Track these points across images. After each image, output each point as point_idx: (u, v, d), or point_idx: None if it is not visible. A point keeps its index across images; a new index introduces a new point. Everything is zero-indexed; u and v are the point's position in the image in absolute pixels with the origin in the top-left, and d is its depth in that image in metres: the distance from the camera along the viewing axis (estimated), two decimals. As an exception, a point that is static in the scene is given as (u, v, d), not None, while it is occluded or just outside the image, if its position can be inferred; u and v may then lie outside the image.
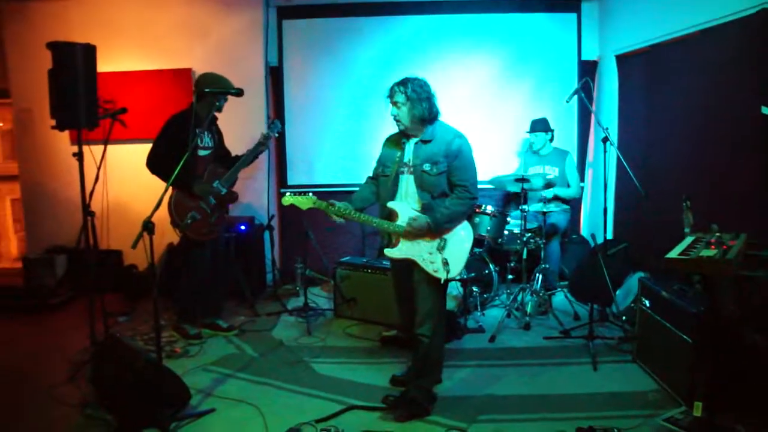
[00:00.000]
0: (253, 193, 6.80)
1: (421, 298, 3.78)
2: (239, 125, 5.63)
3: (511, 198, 6.98)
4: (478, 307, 5.59)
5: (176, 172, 3.69)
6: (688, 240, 3.35)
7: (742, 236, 3.26)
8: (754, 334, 3.53)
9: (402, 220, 3.75)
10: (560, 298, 5.96)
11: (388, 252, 3.83)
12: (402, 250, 3.77)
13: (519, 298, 5.57)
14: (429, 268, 3.71)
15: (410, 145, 3.80)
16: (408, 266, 3.80)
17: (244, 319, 5.73)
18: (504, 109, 6.94)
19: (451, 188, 3.71)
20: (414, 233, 3.70)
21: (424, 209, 3.72)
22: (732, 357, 3.52)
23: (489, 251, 6.02)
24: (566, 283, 6.32)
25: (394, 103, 3.71)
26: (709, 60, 4.90)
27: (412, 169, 3.75)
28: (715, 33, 4.79)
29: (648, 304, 4.40)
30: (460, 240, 3.76)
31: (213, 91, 4.68)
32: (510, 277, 5.92)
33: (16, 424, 3.84)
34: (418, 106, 3.64)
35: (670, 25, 5.38)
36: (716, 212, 4.51)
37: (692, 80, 5.16)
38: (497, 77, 6.92)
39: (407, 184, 3.78)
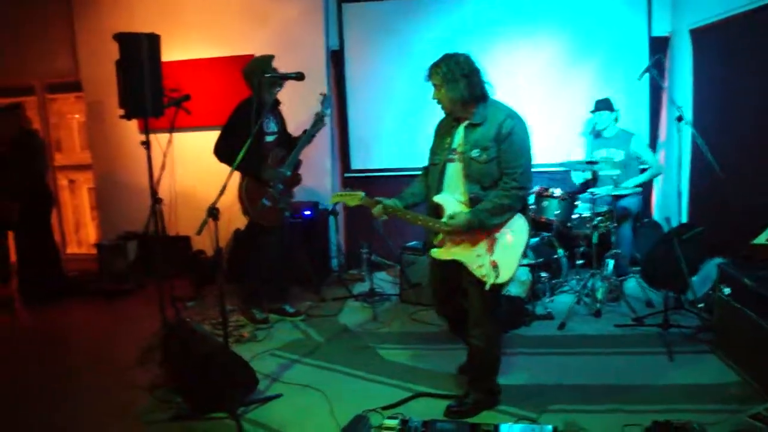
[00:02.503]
0: (317, 177, 6.79)
1: (472, 302, 3.50)
2: (301, 110, 5.61)
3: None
4: (547, 293, 5.44)
5: (240, 158, 3.68)
6: (778, 226, 3.15)
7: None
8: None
9: (446, 215, 3.42)
10: (632, 284, 5.76)
11: (434, 253, 3.54)
12: (448, 250, 3.48)
13: (589, 284, 5.40)
14: (477, 273, 3.37)
15: (460, 130, 3.46)
16: (457, 266, 3.48)
17: (310, 304, 5.75)
18: (570, 90, 6.71)
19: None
20: (455, 232, 3.37)
21: (471, 202, 3.36)
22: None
23: (558, 235, 5.86)
24: (638, 268, 6.10)
25: (434, 85, 3.42)
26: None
27: (460, 157, 3.42)
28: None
29: (729, 292, 4.19)
30: (512, 239, 3.36)
31: (274, 76, 4.67)
32: (579, 262, 5.75)
33: (90, 406, 3.95)
34: (455, 86, 3.30)
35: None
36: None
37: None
38: (563, 57, 6.69)
39: (456, 173, 3.44)
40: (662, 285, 5.61)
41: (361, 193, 3.60)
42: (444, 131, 3.58)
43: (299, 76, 4.44)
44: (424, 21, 6.82)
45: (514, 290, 5.21)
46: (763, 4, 4.86)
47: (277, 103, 5.14)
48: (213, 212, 3.42)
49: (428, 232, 3.65)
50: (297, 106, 5.65)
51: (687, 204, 6.12)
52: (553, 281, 5.61)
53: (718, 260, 5.21)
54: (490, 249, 3.35)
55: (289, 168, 5.03)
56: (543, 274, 5.40)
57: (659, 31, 6.65)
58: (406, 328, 5.12)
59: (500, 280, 3.31)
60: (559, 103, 6.72)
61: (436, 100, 3.45)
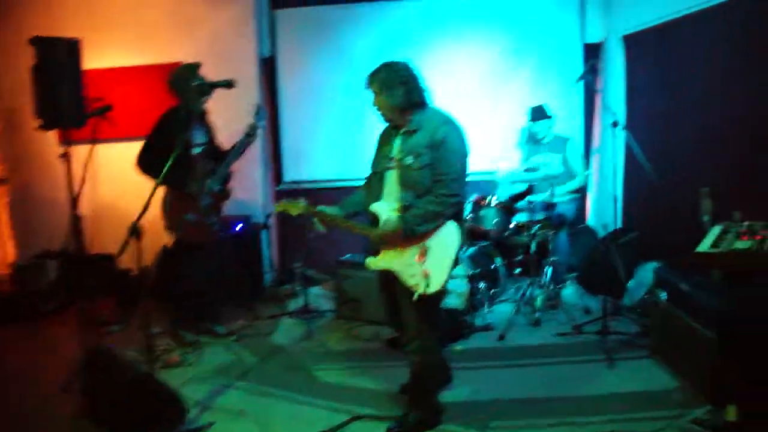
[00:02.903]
0: (248, 190, 6.54)
1: (406, 313, 3.43)
2: (232, 121, 5.36)
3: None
4: (486, 304, 5.36)
5: (165, 171, 3.47)
6: (716, 231, 3.12)
7: (775, 225, 3.05)
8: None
9: (381, 225, 3.39)
10: (569, 292, 5.76)
11: (368, 262, 3.50)
12: (382, 259, 3.43)
13: (527, 293, 5.35)
14: (409, 282, 3.30)
15: (399, 138, 3.43)
16: (393, 277, 3.42)
17: (243, 323, 5.51)
18: (505, 97, 6.68)
19: None
20: (386, 239, 3.33)
21: (404, 210, 3.31)
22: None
23: (495, 245, 5.80)
24: (575, 274, 6.11)
25: (374, 93, 3.39)
26: (733, 36, 4.63)
27: (397, 164, 3.38)
28: (740, 4, 4.51)
29: (665, 297, 4.19)
30: (444, 247, 3.28)
31: (202, 84, 4.43)
32: (517, 271, 5.70)
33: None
34: (393, 93, 3.28)
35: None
36: (736, 199, 4.27)
37: (712, 59, 4.89)
38: (498, 62, 6.67)
39: (393, 181, 3.41)
40: (599, 291, 5.62)
41: (303, 202, 3.58)
42: (385, 139, 3.55)
43: (229, 84, 4.23)
44: (359, 27, 6.70)
45: (451, 302, 5.11)
46: (702, 9, 4.91)
47: (204, 113, 4.91)
48: (135, 231, 3.20)
49: (369, 241, 3.57)
50: (228, 117, 5.42)
51: (621, 209, 6.15)
52: (492, 291, 5.53)
53: (653, 265, 5.26)
54: (422, 258, 3.27)
55: (218, 181, 4.80)
56: (481, 285, 5.31)
57: (593, 37, 6.70)
58: (344, 345, 4.96)
59: (430, 290, 3.22)
60: (494, 110, 6.68)
61: (375, 108, 3.42)
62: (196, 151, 4.77)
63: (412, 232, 3.25)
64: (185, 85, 4.51)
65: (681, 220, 5.19)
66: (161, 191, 4.61)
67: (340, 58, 6.71)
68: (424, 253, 3.28)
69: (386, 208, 3.39)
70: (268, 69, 6.78)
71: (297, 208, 3.59)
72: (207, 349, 4.91)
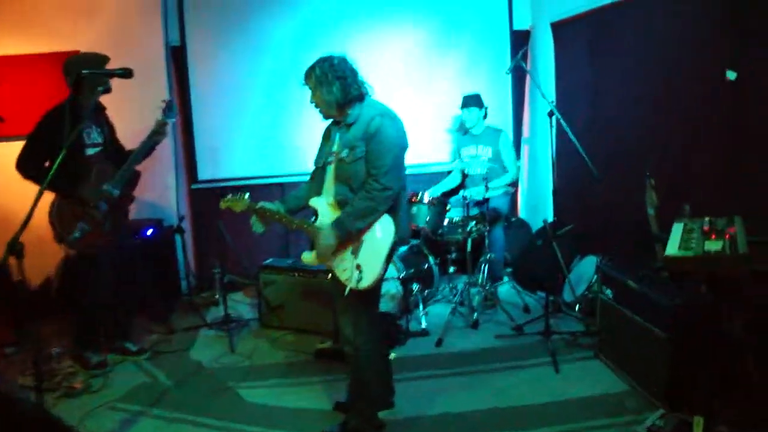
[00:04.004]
0: (160, 191, 6.02)
1: (341, 313, 3.31)
2: (137, 116, 4.82)
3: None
4: (420, 306, 5.04)
5: (51, 175, 2.98)
6: (678, 229, 2.87)
7: (737, 220, 2.81)
8: (738, 330, 3.14)
9: (319, 220, 3.28)
10: (506, 289, 5.53)
11: (304, 257, 3.33)
12: (315, 254, 3.26)
13: (464, 292, 5.07)
14: (342, 276, 3.18)
15: (338, 132, 3.32)
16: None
17: (157, 337, 5.01)
18: (434, 86, 6.42)
19: None
20: (327, 248, 3.16)
21: (339, 205, 3.22)
22: (717, 357, 3.12)
23: (426, 242, 5.50)
24: (510, 270, 5.90)
25: (311, 90, 3.26)
26: (664, 22, 4.47)
27: (335, 158, 3.28)
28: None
29: (611, 295, 3.98)
30: (377, 240, 3.15)
31: (93, 72, 3.91)
32: (452, 269, 5.42)
33: None
34: (329, 89, 3.16)
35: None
36: (678, 190, 4.10)
37: (643, 46, 4.72)
38: (425, 50, 6.39)
39: (330, 176, 3.31)
40: (537, 287, 5.44)
41: (247, 197, 3.47)
42: (327, 135, 3.47)
43: (125, 73, 3.71)
44: (277, 13, 6.24)
45: (384, 306, 4.79)
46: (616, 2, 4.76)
47: (100, 108, 4.39)
48: (14, 249, 2.70)
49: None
50: (134, 113, 4.91)
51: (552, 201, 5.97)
52: (426, 292, 5.23)
53: (592, 259, 5.10)
54: (356, 252, 3.16)
55: (117, 185, 4.26)
56: (414, 286, 5.00)
57: (521, 24, 6.52)
58: (270, 358, 4.55)
59: (362, 284, 3.08)
60: (422, 100, 6.40)
61: (313, 105, 3.29)
62: (91, 152, 4.24)
63: (348, 234, 3.12)
64: (76, 76, 3.98)
65: (618, 211, 5.03)
66: (49, 197, 4.09)
67: (258, 47, 6.25)
68: (358, 247, 3.17)
69: (323, 204, 3.30)
70: (178, 59, 6.23)
71: (241, 204, 3.46)
72: (116, 370, 4.40)
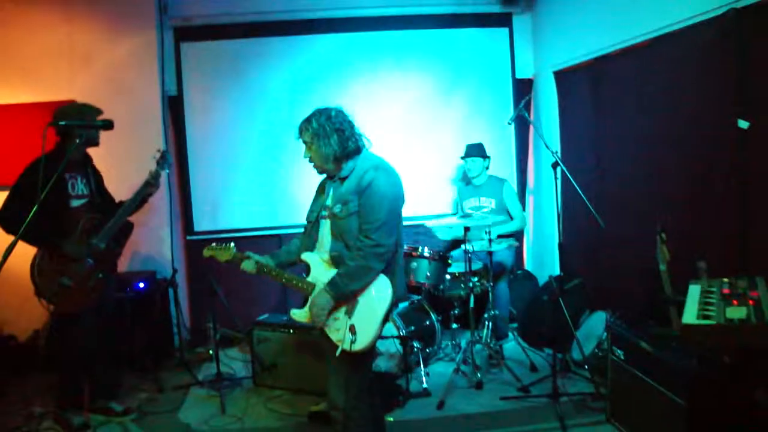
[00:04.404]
0: (154, 243, 5.85)
1: (331, 376, 3.11)
2: (132, 166, 4.70)
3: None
4: (421, 365, 4.79)
5: (25, 226, 2.79)
6: (695, 292, 2.66)
7: (760, 282, 2.59)
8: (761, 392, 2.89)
9: (312, 275, 3.15)
10: (512, 345, 5.28)
11: (294, 314, 3.18)
12: (308, 312, 3.09)
13: (467, 351, 4.82)
14: (334, 337, 3.03)
15: (332, 186, 3.19)
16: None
17: (146, 397, 4.76)
18: (435, 136, 6.29)
19: None
20: (322, 310, 3.01)
21: (333, 261, 3.09)
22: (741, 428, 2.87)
23: (429, 299, 5.27)
24: (515, 325, 5.66)
25: (304, 143, 3.13)
26: (667, 71, 4.32)
27: (329, 213, 3.14)
28: (671, 40, 4.21)
29: (622, 355, 3.74)
30: (372, 302, 3.01)
31: (70, 124, 3.79)
32: (455, 326, 5.18)
33: None
34: (327, 142, 3.03)
35: (614, 35, 4.83)
36: (690, 245, 3.89)
37: (647, 95, 4.56)
38: (426, 101, 6.28)
39: (325, 231, 3.17)
40: (544, 344, 5.20)
41: (233, 247, 3.33)
42: (322, 188, 3.35)
43: (106, 125, 3.60)
44: (274, 63, 6.16)
45: (383, 365, 4.60)
46: (633, 44, 4.64)
47: (86, 158, 4.25)
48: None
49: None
50: (129, 163, 4.83)
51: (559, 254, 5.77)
52: (427, 350, 4.99)
53: (601, 314, 4.87)
54: (350, 312, 3.02)
55: (104, 239, 4.09)
56: (415, 344, 4.76)
57: (524, 73, 6.45)
58: (262, 420, 4.30)
59: (356, 347, 2.93)
60: (424, 151, 6.27)
61: (308, 159, 3.17)
62: (76, 204, 4.09)
63: (343, 296, 3.00)
64: (63, 127, 3.86)
65: (626, 264, 4.83)
66: (32, 251, 3.93)
67: (254, 97, 6.14)
68: (353, 307, 3.03)
69: (317, 259, 3.18)
70: (175, 109, 6.13)
71: (226, 253, 3.32)
72: (99, 432, 4.17)
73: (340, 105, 3.18)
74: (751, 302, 2.38)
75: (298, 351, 4.71)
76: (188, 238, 6.18)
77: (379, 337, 3.06)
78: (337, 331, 3.01)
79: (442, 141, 6.26)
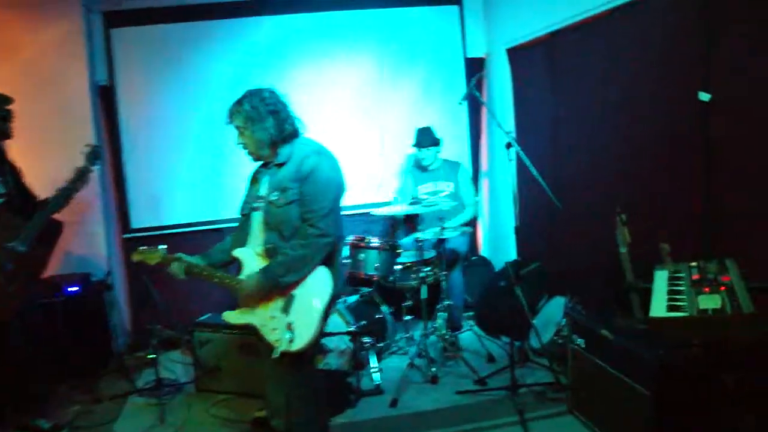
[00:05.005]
0: (87, 244, 5.44)
1: (269, 380, 2.96)
2: (60, 162, 4.29)
3: (399, 224, 6.03)
4: (373, 360, 4.52)
5: None
6: (662, 279, 2.42)
7: (731, 265, 2.37)
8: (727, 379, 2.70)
9: (245, 272, 2.94)
10: (468, 336, 5.07)
11: (226, 316, 2.98)
12: (242, 313, 2.93)
13: (421, 343, 4.58)
14: (270, 338, 2.83)
15: (267, 174, 3.00)
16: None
17: (80, 409, 4.42)
18: (385, 120, 6.03)
19: None
20: (251, 297, 2.86)
21: (268, 254, 2.88)
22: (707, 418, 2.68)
23: (380, 290, 5.02)
24: (471, 313, 5.45)
25: (237, 128, 2.93)
26: (626, 44, 4.12)
27: (263, 203, 2.95)
28: (630, 11, 4.01)
29: (583, 344, 3.54)
30: (311, 295, 2.83)
31: None
32: (407, 318, 4.94)
33: None
34: (262, 126, 2.85)
35: (569, 7, 4.60)
36: (652, 225, 3.70)
37: (607, 69, 4.36)
38: (375, 83, 6.01)
39: (258, 222, 2.97)
40: (501, 332, 5.00)
41: (162, 249, 3.14)
42: (255, 177, 3.14)
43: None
44: (214, 47, 5.80)
45: (333, 362, 4.35)
46: (591, 16, 4.42)
47: (2, 154, 3.90)
48: None
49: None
50: (56, 158, 4.45)
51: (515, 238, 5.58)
52: (379, 345, 4.74)
53: (559, 300, 4.70)
54: (287, 308, 2.83)
55: (25, 241, 3.74)
56: (366, 339, 4.51)
57: (475, 51, 6.22)
58: (204, 428, 4.01)
59: (294, 346, 2.75)
60: (373, 136, 6.01)
61: (241, 146, 2.98)
62: (-12, 204, 3.75)
63: (277, 285, 2.80)
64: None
65: (585, 247, 4.65)
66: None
67: (194, 84, 5.78)
68: (289, 303, 2.84)
69: (250, 254, 2.97)
70: (107, 100, 5.74)
71: (156, 256, 3.13)
72: (24, 453, 3.84)
73: (272, 85, 2.99)
74: (723, 288, 2.16)
75: (242, 352, 4.42)
76: (125, 236, 5.81)
77: (322, 333, 2.85)
78: (274, 330, 2.81)
79: (392, 125, 6.00)
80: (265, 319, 2.85)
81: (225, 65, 5.79)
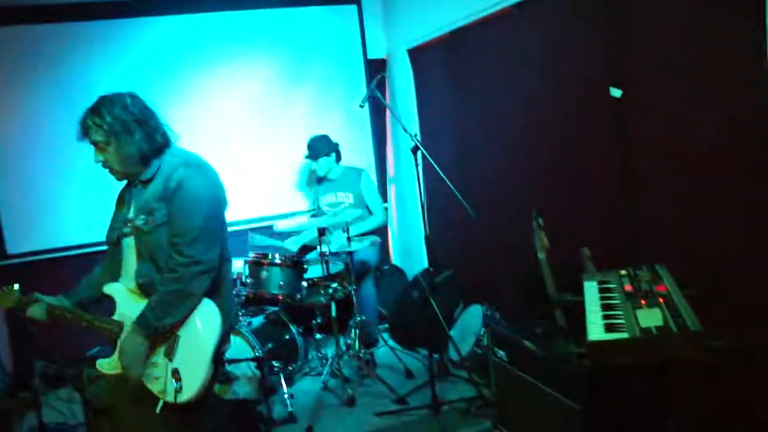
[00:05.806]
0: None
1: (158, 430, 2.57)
2: None
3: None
4: (284, 385, 4.20)
5: None
6: (592, 291, 2.22)
7: (663, 272, 2.20)
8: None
9: (119, 311, 2.56)
10: (383, 350, 4.84)
11: (100, 365, 2.59)
12: (116, 360, 2.51)
13: (334, 364, 4.31)
14: (154, 388, 2.48)
15: (135, 192, 2.60)
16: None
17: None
18: (283, 127, 5.67)
19: None
20: (134, 362, 2.45)
21: (141, 289, 2.51)
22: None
23: (286, 310, 4.69)
24: (386, 325, 5.22)
25: (94, 144, 2.48)
26: (531, 41, 3.97)
27: (132, 228, 2.54)
28: (534, 6, 3.86)
29: (505, 357, 3.35)
30: (198, 335, 2.46)
31: None
32: (318, 336, 4.63)
33: None
34: (129, 139, 2.43)
35: (470, 4, 4.43)
36: (569, 230, 3.56)
37: (510, 68, 4.22)
38: (274, 86, 5.66)
39: (128, 252, 2.58)
40: (418, 345, 4.80)
41: (15, 290, 2.69)
42: (121, 198, 2.74)
43: None
44: (97, 50, 5.28)
45: (241, 391, 4.01)
46: (494, 12, 4.25)
47: None
48: None
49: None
50: None
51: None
52: (290, 367, 4.41)
53: (476, 308, 4.53)
54: (170, 353, 2.46)
55: None
56: (275, 363, 4.18)
57: (376, 53, 6.00)
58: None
59: (183, 397, 2.40)
60: (270, 144, 5.65)
61: (101, 164, 2.53)
62: None
63: (156, 332, 2.42)
64: None
65: (500, 253, 4.49)
66: None
67: (81, 92, 5.12)
68: (173, 346, 2.46)
69: (121, 290, 2.58)
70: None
71: (8, 299, 2.68)
72: None
73: (132, 89, 2.59)
74: (661, 300, 1.97)
75: (137, 391, 4.00)
76: (1, 263, 5.22)
77: (213, 379, 2.49)
78: (157, 380, 2.46)
79: (290, 132, 5.64)
80: (147, 366, 2.49)
81: (109, 71, 5.29)
